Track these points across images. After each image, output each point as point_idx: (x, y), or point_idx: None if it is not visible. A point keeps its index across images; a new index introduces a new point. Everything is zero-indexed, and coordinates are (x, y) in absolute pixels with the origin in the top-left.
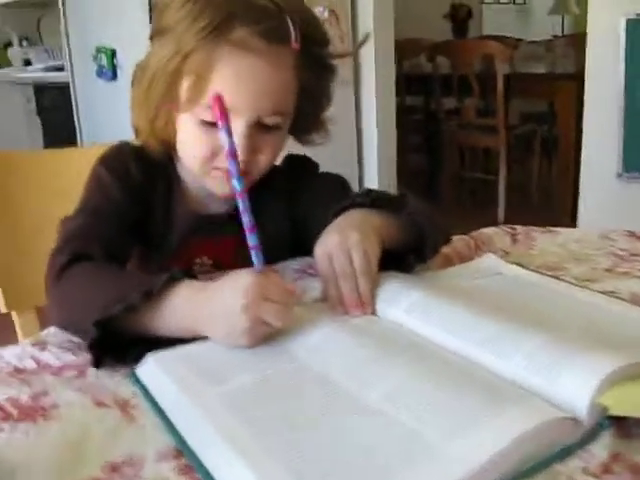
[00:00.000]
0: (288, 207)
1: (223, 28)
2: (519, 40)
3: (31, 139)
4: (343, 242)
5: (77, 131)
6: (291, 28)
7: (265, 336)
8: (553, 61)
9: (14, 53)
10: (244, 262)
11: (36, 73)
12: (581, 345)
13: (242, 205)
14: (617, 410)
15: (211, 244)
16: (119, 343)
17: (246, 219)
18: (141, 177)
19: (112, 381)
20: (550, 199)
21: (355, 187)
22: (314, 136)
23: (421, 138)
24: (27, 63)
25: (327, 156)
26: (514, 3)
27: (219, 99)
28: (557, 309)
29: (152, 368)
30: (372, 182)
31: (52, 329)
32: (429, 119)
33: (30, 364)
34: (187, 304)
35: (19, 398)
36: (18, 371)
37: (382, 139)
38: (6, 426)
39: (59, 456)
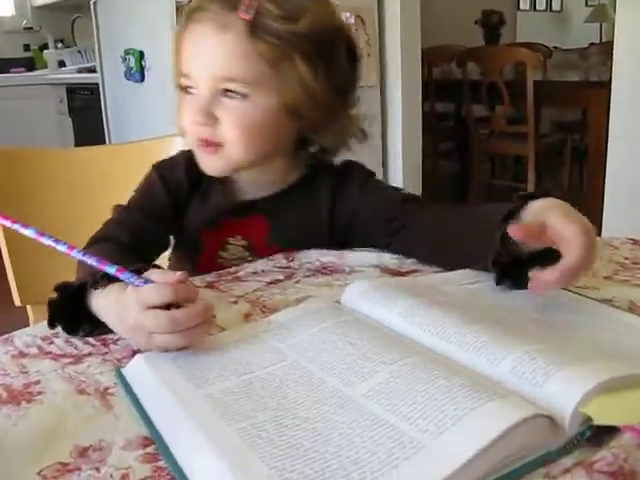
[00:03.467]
0: (331, 214)
1: (189, 6)
2: (555, 48)
3: (62, 139)
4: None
5: (105, 131)
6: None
7: (171, 342)
8: (587, 69)
9: (49, 55)
10: (275, 239)
11: (69, 74)
12: (571, 354)
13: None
14: (599, 420)
15: (241, 224)
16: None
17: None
18: (186, 180)
19: (100, 369)
20: (579, 208)
21: None
22: (342, 135)
23: (452, 145)
24: (61, 64)
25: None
26: (550, 10)
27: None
28: (550, 315)
29: (141, 367)
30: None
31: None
32: (460, 126)
33: (34, 351)
34: (105, 309)
35: (12, 384)
36: (22, 354)
37: (407, 145)
38: None
39: (34, 440)
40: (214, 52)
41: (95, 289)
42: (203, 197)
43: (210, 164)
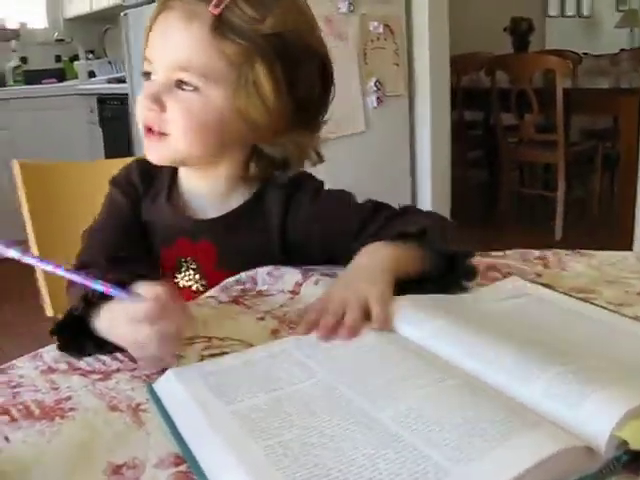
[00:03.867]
0: (283, 226)
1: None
2: (585, 54)
3: (93, 148)
4: (345, 288)
5: (133, 142)
6: None
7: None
8: (618, 75)
9: (80, 65)
10: (223, 266)
11: (99, 85)
12: (606, 375)
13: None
14: (636, 445)
15: (194, 247)
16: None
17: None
18: (142, 186)
19: (130, 386)
20: (610, 217)
21: (407, 200)
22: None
23: (480, 153)
24: (92, 75)
25: (379, 168)
26: (580, 16)
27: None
28: (583, 333)
29: (171, 382)
30: (425, 195)
31: None
32: (488, 134)
33: (62, 366)
34: (105, 330)
35: (44, 400)
36: (51, 370)
37: (436, 152)
38: (25, 423)
39: (69, 456)
40: (175, 39)
41: (89, 312)
42: (152, 201)
43: (153, 151)
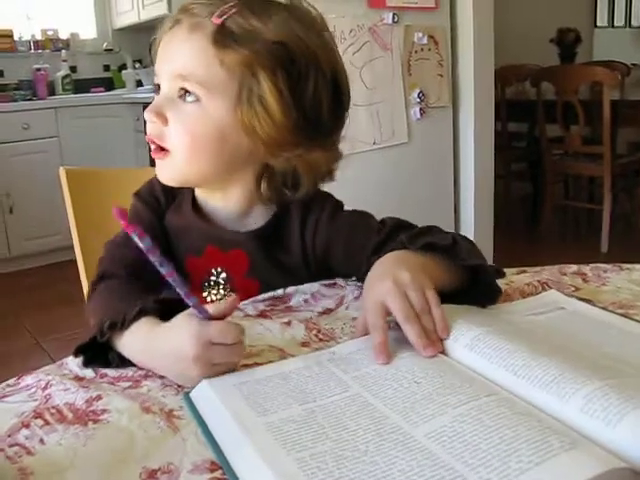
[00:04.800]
0: (302, 245)
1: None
2: (633, 65)
3: (139, 155)
4: (395, 285)
5: None
6: (223, 6)
7: (220, 374)
8: None
9: (127, 75)
10: (255, 277)
11: (145, 94)
12: None
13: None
14: None
15: (225, 256)
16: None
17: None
18: (165, 199)
19: (162, 393)
20: None
21: (450, 213)
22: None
23: (524, 165)
24: (139, 84)
25: (421, 179)
26: (629, 26)
27: (120, 212)
28: (623, 349)
29: (206, 392)
30: (468, 208)
31: None
32: (533, 146)
33: (89, 373)
34: (144, 341)
35: (75, 402)
36: (78, 378)
37: (479, 164)
38: (60, 427)
39: (104, 460)
40: (178, 49)
41: (107, 334)
42: (176, 213)
43: (160, 171)
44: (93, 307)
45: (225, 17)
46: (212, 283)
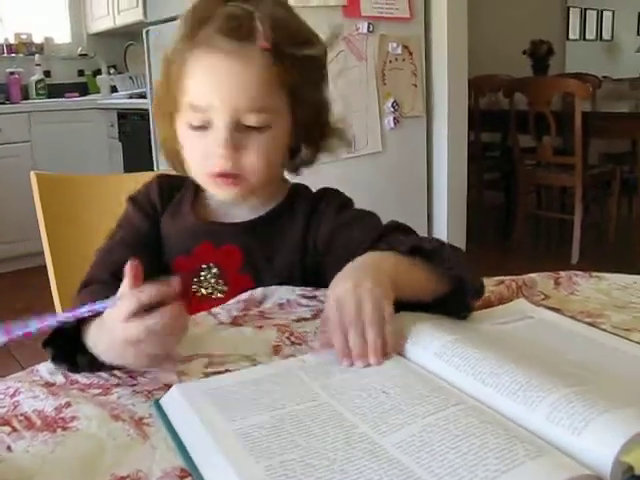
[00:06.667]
0: (304, 236)
1: (193, 33)
2: (604, 77)
3: (113, 162)
4: (355, 289)
5: (154, 156)
6: (260, 28)
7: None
8: (638, 100)
9: (102, 80)
10: (249, 273)
11: (120, 99)
12: (610, 399)
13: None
14: None
15: (217, 252)
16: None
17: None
18: (161, 203)
19: (132, 401)
20: (627, 242)
21: (423, 221)
22: (331, 144)
23: (497, 175)
24: (113, 90)
25: (395, 188)
26: (601, 40)
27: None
28: (587, 357)
29: (176, 398)
30: (441, 217)
31: None
32: (505, 156)
33: (60, 380)
34: (94, 337)
35: (44, 409)
36: (48, 385)
37: (452, 174)
38: (28, 435)
39: (73, 467)
40: (239, 84)
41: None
42: (174, 213)
43: (226, 193)
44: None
45: (270, 39)
46: (202, 279)
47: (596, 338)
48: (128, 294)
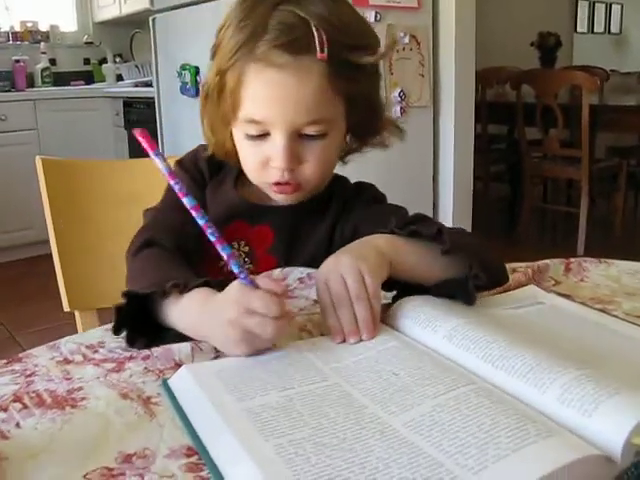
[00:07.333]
0: (333, 228)
1: (249, 46)
2: (612, 71)
3: (118, 150)
4: (336, 266)
5: (160, 144)
6: (316, 38)
7: (261, 347)
8: None
9: (108, 69)
10: (276, 255)
11: (126, 88)
12: (620, 382)
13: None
14: None
15: (251, 230)
16: (154, 327)
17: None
18: (209, 172)
19: (142, 379)
20: (633, 235)
21: (429, 212)
22: (381, 138)
23: (503, 167)
24: (119, 78)
25: (401, 178)
26: (609, 33)
27: (142, 135)
28: (598, 342)
29: (185, 378)
30: (447, 208)
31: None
32: (512, 148)
33: (78, 358)
34: (196, 309)
35: (56, 390)
36: (67, 361)
37: (458, 165)
38: (37, 412)
39: (80, 444)
40: (296, 98)
41: (165, 297)
42: (217, 187)
43: (283, 198)
44: (142, 270)
45: (326, 49)
46: (235, 249)
47: (607, 324)
48: (272, 302)
